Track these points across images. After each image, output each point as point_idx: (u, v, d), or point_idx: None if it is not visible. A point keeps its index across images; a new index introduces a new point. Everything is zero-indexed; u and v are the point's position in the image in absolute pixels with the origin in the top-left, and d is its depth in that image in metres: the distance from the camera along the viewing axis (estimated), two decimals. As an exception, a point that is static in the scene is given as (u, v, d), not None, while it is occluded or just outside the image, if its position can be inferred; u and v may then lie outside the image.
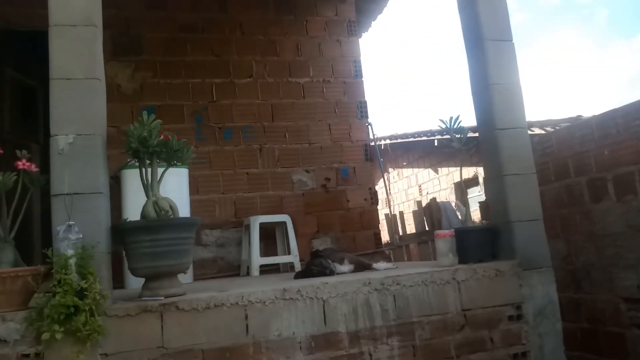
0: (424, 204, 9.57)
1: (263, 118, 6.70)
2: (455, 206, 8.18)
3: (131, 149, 3.14)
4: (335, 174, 6.81)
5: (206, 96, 6.52)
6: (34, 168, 3.09)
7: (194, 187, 5.73)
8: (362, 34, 8.59)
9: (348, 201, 6.76)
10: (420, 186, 12.70)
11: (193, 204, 5.43)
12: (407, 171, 13.14)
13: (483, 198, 10.94)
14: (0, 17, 5.78)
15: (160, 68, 6.39)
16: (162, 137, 3.25)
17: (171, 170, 3.42)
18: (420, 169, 12.53)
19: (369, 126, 7.34)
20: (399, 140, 11.86)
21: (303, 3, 7.20)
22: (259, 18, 6.96)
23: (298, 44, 7.08)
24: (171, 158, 3.33)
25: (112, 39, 6.22)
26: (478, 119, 4.32)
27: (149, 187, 3.21)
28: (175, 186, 4.66)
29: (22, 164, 3.04)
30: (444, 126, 4.35)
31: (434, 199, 8.60)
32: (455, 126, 4.30)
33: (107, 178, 3.16)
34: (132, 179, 4.58)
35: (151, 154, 3.20)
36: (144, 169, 3.24)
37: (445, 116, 4.59)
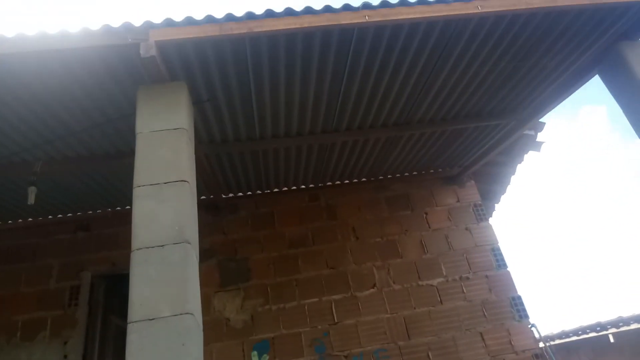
0: None
1: (396, 336, 5.35)
2: None
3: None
4: (507, 402, 4.99)
5: (325, 318, 5.42)
6: None
7: None
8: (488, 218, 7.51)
9: None
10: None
11: None
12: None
13: None
14: (105, 261, 5.47)
15: (272, 292, 5.53)
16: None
17: None
18: (593, 378, 9.63)
19: (533, 328, 5.67)
20: (558, 342, 9.48)
21: (417, 195, 6.43)
22: (372, 219, 6.18)
23: (422, 240, 6.07)
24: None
25: (219, 266, 5.66)
26: None
27: None
28: None
29: None
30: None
31: None
32: None
33: None
34: None
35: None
36: None
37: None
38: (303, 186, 6.26)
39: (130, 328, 2.16)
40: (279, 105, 4.00)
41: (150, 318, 2.18)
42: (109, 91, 3.37)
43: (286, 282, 5.61)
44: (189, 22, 2.88)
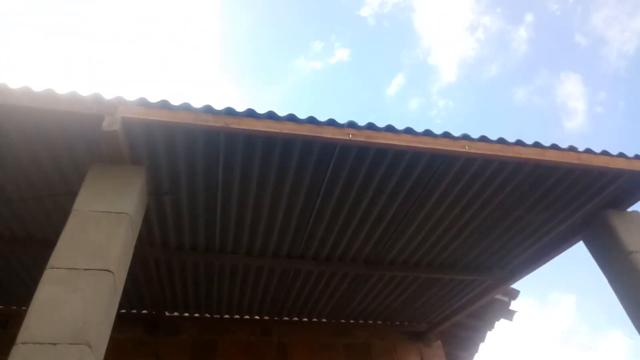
0: None
1: None
2: None
3: None
4: None
5: None
6: None
7: None
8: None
9: None
10: None
11: None
12: None
13: None
14: None
15: None
16: None
17: None
18: None
19: None
20: None
21: (379, 347, 5.86)
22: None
23: (377, 401, 5.36)
24: None
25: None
26: None
27: None
28: None
29: None
30: None
31: None
32: None
33: None
34: None
35: None
36: None
37: None
38: (257, 317, 5.68)
39: None
40: (245, 215, 3.68)
41: None
42: (60, 162, 3.04)
43: None
44: (163, 105, 2.70)
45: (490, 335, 6.76)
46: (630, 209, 3.53)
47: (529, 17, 25.59)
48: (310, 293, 5.12)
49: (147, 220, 3.68)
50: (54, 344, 1.87)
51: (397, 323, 6.06)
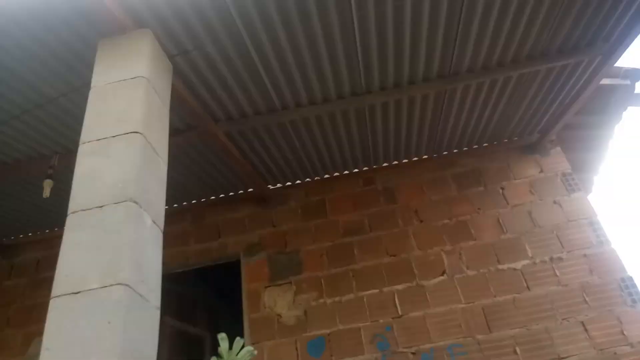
0: None
1: (474, 329, 4.53)
2: None
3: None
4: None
5: (388, 311, 4.75)
6: None
7: None
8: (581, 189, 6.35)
9: None
10: None
11: None
12: None
13: None
14: (179, 257, 5.36)
15: (326, 285, 4.98)
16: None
17: None
18: None
19: (652, 314, 4.52)
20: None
21: (491, 169, 5.52)
22: (437, 199, 5.40)
23: (499, 219, 5.17)
24: None
25: (269, 261, 5.25)
26: None
27: None
28: None
29: None
30: None
31: None
32: None
33: None
34: None
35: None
36: None
37: None
38: (356, 170, 5.64)
39: (52, 304, 1.74)
40: (286, 62, 3.46)
41: (75, 291, 1.74)
42: (65, 52, 3.00)
43: (341, 274, 5.03)
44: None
45: (619, 129, 6.03)
46: None
47: None
48: (397, 130, 4.88)
49: (195, 94, 3.65)
50: (101, 206, 1.95)
51: (506, 141, 5.60)
